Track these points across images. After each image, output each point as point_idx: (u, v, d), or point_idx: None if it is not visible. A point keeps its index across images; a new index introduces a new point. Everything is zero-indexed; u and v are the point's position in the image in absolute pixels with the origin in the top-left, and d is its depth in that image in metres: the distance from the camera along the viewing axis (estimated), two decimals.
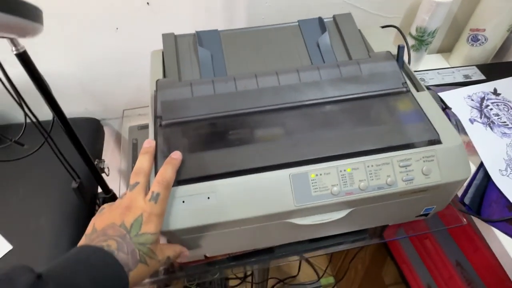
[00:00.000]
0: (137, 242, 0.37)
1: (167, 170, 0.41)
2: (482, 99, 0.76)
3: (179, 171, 0.42)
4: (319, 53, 0.60)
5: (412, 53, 0.84)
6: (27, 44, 0.59)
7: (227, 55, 0.59)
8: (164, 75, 0.56)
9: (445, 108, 0.70)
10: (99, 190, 0.74)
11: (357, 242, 0.53)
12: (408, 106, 0.49)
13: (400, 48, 0.56)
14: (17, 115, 0.83)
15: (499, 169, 0.67)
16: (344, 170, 0.44)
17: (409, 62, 0.72)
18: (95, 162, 0.78)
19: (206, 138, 0.45)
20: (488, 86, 0.78)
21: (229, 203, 0.42)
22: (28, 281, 0.29)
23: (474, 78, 0.80)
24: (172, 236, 0.43)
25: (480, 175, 0.67)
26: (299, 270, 1.31)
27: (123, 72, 0.79)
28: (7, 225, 0.65)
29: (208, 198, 0.42)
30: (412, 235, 0.57)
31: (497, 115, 0.73)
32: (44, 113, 0.52)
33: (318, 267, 1.34)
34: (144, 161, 0.42)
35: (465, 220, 0.56)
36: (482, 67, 0.83)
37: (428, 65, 0.87)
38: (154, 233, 0.38)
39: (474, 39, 0.81)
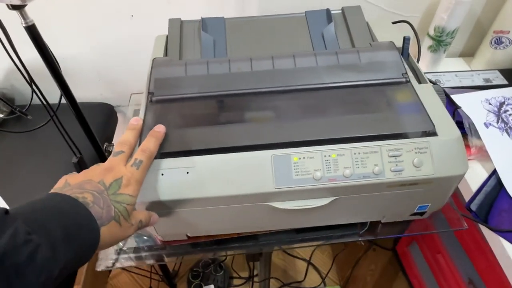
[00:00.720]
0: (114, 200, 0.36)
1: (150, 141, 0.41)
2: (502, 103, 0.71)
3: (161, 145, 0.42)
4: (323, 43, 0.58)
5: (430, 54, 0.81)
6: (48, 29, 0.63)
7: (230, 42, 0.60)
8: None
9: (455, 108, 0.67)
10: None
11: (345, 237, 0.51)
12: (406, 97, 0.47)
13: (405, 39, 0.54)
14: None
15: None
16: (329, 156, 0.42)
17: (418, 58, 0.70)
18: (105, 145, 0.81)
19: (193, 115, 0.45)
20: (510, 91, 0.74)
21: (208, 180, 0.42)
22: None
23: (495, 83, 0.76)
24: (150, 209, 0.43)
25: (492, 182, 0.63)
26: (305, 276, 1.28)
27: (136, 59, 0.82)
28: (12, 192, 0.68)
29: (188, 173, 0.42)
30: (405, 235, 0.54)
31: None
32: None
33: (325, 274, 1.30)
34: (130, 135, 0.43)
35: (466, 224, 0.52)
36: (505, 72, 0.78)
37: (448, 68, 0.83)
38: (133, 196, 0.38)
39: (498, 42, 0.77)
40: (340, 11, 0.63)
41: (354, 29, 0.59)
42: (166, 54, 0.58)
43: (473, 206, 0.60)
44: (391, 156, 0.42)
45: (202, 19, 0.61)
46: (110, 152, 0.80)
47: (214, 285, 1.22)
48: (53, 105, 0.59)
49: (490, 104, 0.71)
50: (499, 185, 0.62)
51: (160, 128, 0.43)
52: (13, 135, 0.78)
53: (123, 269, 1.21)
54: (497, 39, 0.77)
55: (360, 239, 0.51)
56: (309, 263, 1.32)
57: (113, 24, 0.76)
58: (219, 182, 0.41)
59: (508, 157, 0.64)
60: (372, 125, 0.44)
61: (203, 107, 0.46)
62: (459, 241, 0.82)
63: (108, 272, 1.13)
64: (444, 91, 0.69)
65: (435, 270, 1.03)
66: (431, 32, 0.78)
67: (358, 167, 0.42)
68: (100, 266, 0.49)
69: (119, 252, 0.51)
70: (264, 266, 0.94)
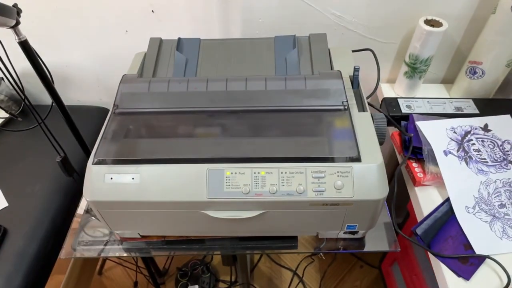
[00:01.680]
0: None
1: None
2: (467, 132, 0.73)
3: (114, 152, 0.49)
4: (285, 67, 0.63)
5: (406, 80, 0.83)
6: (54, 39, 0.71)
7: (201, 61, 0.66)
8: (142, 74, 0.64)
9: (410, 137, 0.69)
10: None
11: (283, 249, 0.55)
12: (341, 123, 0.50)
13: (355, 69, 0.58)
14: (44, 98, 0.97)
15: (466, 206, 0.64)
16: (258, 173, 0.47)
17: (376, 86, 0.73)
18: None
19: (147, 128, 0.51)
20: (479, 121, 0.75)
21: (149, 186, 0.47)
22: None
23: (466, 111, 0.77)
24: (100, 207, 0.49)
25: (443, 208, 0.65)
26: (289, 286, 1.31)
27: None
28: (8, 185, 0.77)
29: (133, 178, 0.47)
30: (341, 252, 0.57)
31: (478, 150, 0.70)
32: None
33: (309, 286, 1.32)
34: None
35: (399, 247, 0.55)
36: (478, 101, 0.79)
37: (425, 94, 0.85)
38: None
39: (472, 72, 0.79)
40: (307, 37, 0.68)
41: (316, 56, 0.64)
42: (142, 70, 0.65)
43: (419, 230, 0.62)
44: (314, 178, 0.46)
45: (179, 39, 0.68)
46: None
47: (199, 286, 1.27)
48: (46, 106, 0.66)
49: (454, 132, 0.73)
50: (451, 211, 0.64)
51: None
52: (12, 133, 0.86)
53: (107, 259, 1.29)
54: (471, 69, 0.79)
55: (296, 251, 0.55)
56: (294, 273, 1.35)
57: (110, 38, 0.84)
58: (159, 188, 0.47)
59: (463, 185, 0.66)
60: (303, 148, 0.48)
61: (158, 121, 0.52)
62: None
63: (96, 262, 1.20)
64: (412, 122, 0.72)
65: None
66: (407, 59, 0.81)
67: (284, 185, 0.46)
68: (61, 254, 0.56)
69: (79, 243, 0.58)
70: (242, 271, 0.99)
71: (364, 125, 0.51)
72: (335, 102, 0.53)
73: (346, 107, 0.52)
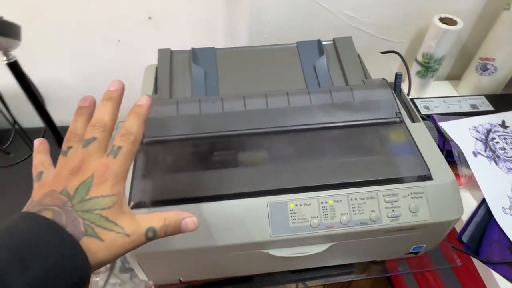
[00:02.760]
0: (81, 209, 0.28)
1: (132, 120, 0.32)
2: (489, 131, 0.72)
3: (152, 191, 0.41)
4: (315, 76, 0.58)
5: (418, 80, 0.82)
6: (30, 52, 0.60)
7: (221, 74, 0.59)
8: (156, 91, 0.56)
9: (444, 140, 0.67)
10: None
11: (342, 276, 0.51)
12: (400, 138, 0.46)
13: (397, 76, 0.54)
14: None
15: (503, 207, 0.63)
16: (326, 202, 0.41)
17: (408, 91, 0.70)
18: None
19: (185, 159, 0.44)
20: (496, 118, 0.75)
21: (202, 230, 0.40)
22: None
23: (481, 109, 0.77)
24: (142, 260, 0.41)
25: (481, 211, 0.63)
26: None
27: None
28: None
29: None
30: (398, 274, 0.53)
31: (503, 149, 0.70)
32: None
33: None
34: (105, 110, 0.32)
35: (459, 261, 0.53)
36: (491, 98, 0.79)
37: (435, 92, 0.84)
38: (110, 195, 0.28)
39: (483, 68, 0.78)
40: (331, 42, 0.63)
41: (346, 62, 0.59)
42: (155, 86, 0.57)
43: (464, 238, 0.60)
44: (387, 202, 0.42)
45: (193, 49, 0.60)
46: None
47: None
48: (36, 129, 0.56)
49: (477, 131, 0.72)
50: (489, 214, 0.63)
51: (144, 101, 0.34)
52: None
53: None
54: (482, 66, 0.78)
55: (356, 278, 0.50)
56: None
57: (100, 49, 0.74)
58: (212, 231, 0.40)
59: (496, 186, 0.65)
60: (369, 169, 0.43)
61: (195, 149, 0.45)
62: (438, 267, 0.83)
63: None
64: (435, 123, 0.70)
65: (420, 282, 1.04)
66: (419, 58, 0.79)
67: (355, 214, 0.41)
68: None
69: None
70: None
71: (422, 137, 0.47)
72: (389, 114, 0.49)
73: (401, 119, 0.48)
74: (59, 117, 0.86)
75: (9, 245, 0.24)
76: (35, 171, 0.33)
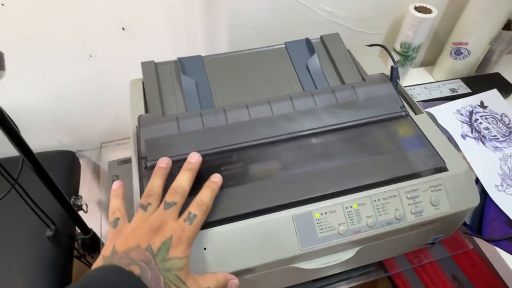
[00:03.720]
0: (163, 268, 0.32)
1: (206, 193, 0.37)
2: (471, 112, 0.75)
3: None
4: (309, 76, 0.57)
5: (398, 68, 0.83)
6: None
7: (213, 83, 0.56)
8: (146, 107, 0.52)
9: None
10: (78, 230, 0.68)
11: (363, 276, 0.50)
12: (409, 132, 0.46)
13: (393, 69, 0.54)
14: None
15: (495, 185, 0.65)
16: (350, 207, 0.40)
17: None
18: (72, 200, 0.72)
19: (196, 179, 0.40)
20: (475, 99, 0.78)
21: (228, 253, 0.38)
22: None
23: (460, 92, 0.80)
24: None
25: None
26: None
27: (98, 102, 0.74)
28: None
29: (205, 248, 0.37)
30: (417, 265, 0.54)
31: (487, 128, 0.73)
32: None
33: None
34: (185, 179, 0.38)
35: (471, 245, 0.54)
36: (466, 80, 0.83)
37: (413, 79, 0.86)
38: (183, 257, 0.33)
39: (457, 53, 0.81)
40: (319, 40, 0.62)
41: (338, 59, 0.58)
42: (145, 101, 0.53)
43: (467, 220, 0.62)
44: (409, 198, 0.41)
45: (179, 59, 0.57)
46: (79, 207, 0.72)
47: None
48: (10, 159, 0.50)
49: (461, 114, 0.74)
50: (484, 194, 0.65)
51: (216, 178, 0.39)
52: None
53: None
54: (456, 50, 0.81)
55: (378, 277, 0.50)
56: None
57: (70, 66, 0.68)
58: (241, 253, 0.38)
59: (487, 166, 0.68)
60: (386, 168, 0.43)
61: (206, 167, 0.42)
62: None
63: None
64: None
65: (418, 270, 1.07)
66: (398, 48, 0.80)
67: (380, 215, 0.41)
68: None
69: None
70: None
71: (429, 128, 0.48)
72: (393, 108, 0.49)
73: (406, 112, 0.48)
74: (33, 142, 0.78)
75: None
76: (111, 216, 0.37)
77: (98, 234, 0.67)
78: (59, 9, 0.60)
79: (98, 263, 0.33)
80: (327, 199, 0.40)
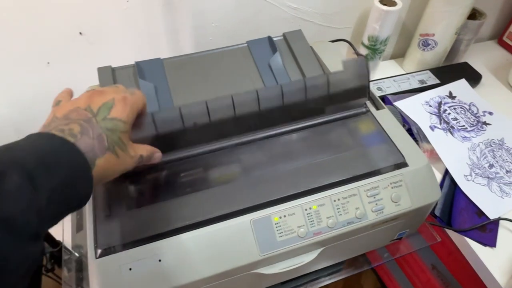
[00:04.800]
0: (105, 127, 0.31)
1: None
2: (439, 104, 0.75)
3: (121, 234, 0.36)
4: (272, 75, 0.56)
5: (368, 63, 0.83)
6: None
7: (173, 86, 0.54)
8: None
9: (404, 121, 0.69)
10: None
11: (334, 274, 0.50)
12: (369, 128, 0.46)
13: None
14: None
15: (464, 175, 0.66)
16: (310, 208, 0.40)
17: None
18: None
19: (150, 190, 0.39)
20: (444, 90, 0.78)
21: (185, 263, 0.37)
22: None
23: (429, 83, 0.80)
24: None
25: (446, 182, 0.66)
26: None
27: None
28: None
29: (160, 260, 0.36)
30: (396, 257, 0.54)
31: (455, 119, 0.73)
32: None
33: None
34: None
35: (439, 237, 0.54)
36: (435, 71, 0.83)
37: (383, 72, 0.86)
38: (125, 121, 0.32)
39: (425, 44, 0.81)
40: (282, 37, 0.61)
41: (300, 56, 0.57)
42: None
43: (437, 211, 0.62)
44: (369, 196, 0.41)
45: (137, 63, 0.55)
46: None
47: None
48: None
49: (430, 106, 0.75)
50: (453, 184, 0.65)
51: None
52: None
53: None
54: (424, 42, 0.81)
55: (347, 274, 0.50)
56: None
57: (28, 75, 0.65)
58: (198, 262, 0.37)
59: (455, 156, 0.68)
60: (345, 166, 0.42)
61: (160, 177, 0.41)
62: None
63: None
64: (390, 103, 0.71)
65: (399, 261, 1.08)
66: (366, 42, 0.80)
67: (341, 214, 0.40)
68: None
69: None
70: None
71: (390, 123, 0.47)
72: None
73: (366, 108, 0.48)
74: None
75: (35, 154, 0.26)
76: (54, 101, 0.36)
77: (67, 246, 0.65)
78: (10, 15, 0.57)
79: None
80: (286, 201, 0.40)
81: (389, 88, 0.79)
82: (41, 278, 0.65)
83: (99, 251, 0.36)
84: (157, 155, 0.38)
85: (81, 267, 0.54)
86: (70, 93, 0.38)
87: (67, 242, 0.62)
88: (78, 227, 0.62)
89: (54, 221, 0.26)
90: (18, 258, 0.22)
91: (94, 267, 0.35)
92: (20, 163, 0.24)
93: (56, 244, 0.65)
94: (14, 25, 0.58)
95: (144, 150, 0.36)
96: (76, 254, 0.53)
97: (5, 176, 0.22)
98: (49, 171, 0.25)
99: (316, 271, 0.50)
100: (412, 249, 0.54)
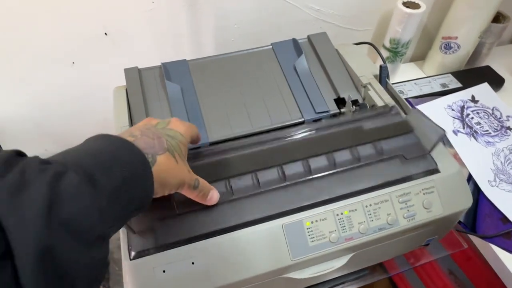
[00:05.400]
0: (165, 133, 0.32)
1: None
2: (462, 108, 0.75)
3: (155, 236, 0.36)
4: (298, 78, 0.56)
5: (388, 65, 0.82)
6: None
7: (199, 88, 0.54)
8: (130, 115, 0.51)
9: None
10: None
11: (359, 279, 0.49)
12: (398, 133, 0.45)
13: (383, 68, 0.53)
14: None
15: (488, 180, 0.65)
16: (341, 214, 0.39)
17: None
18: None
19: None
20: (466, 94, 0.77)
21: (218, 266, 0.37)
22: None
23: (451, 87, 0.79)
24: None
25: (470, 188, 0.65)
26: None
27: (83, 108, 0.72)
28: None
29: (193, 263, 0.36)
30: (416, 266, 0.53)
31: (478, 123, 0.72)
32: None
33: None
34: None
35: (465, 244, 0.53)
36: (457, 74, 0.82)
37: (404, 75, 0.85)
38: (183, 134, 0.34)
39: (447, 47, 0.80)
40: (306, 40, 0.61)
41: (326, 59, 0.57)
42: (129, 109, 0.51)
43: (461, 217, 0.62)
44: (401, 202, 0.41)
45: (163, 65, 0.55)
46: None
47: None
48: None
49: (453, 110, 0.74)
50: (477, 190, 0.65)
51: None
52: None
53: None
54: (446, 45, 0.80)
55: (374, 279, 0.49)
56: None
57: (52, 74, 0.66)
58: (230, 266, 0.37)
59: (479, 161, 0.67)
60: (377, 172, 0.42)
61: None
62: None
63: None
64: (412, 107, 0.71)
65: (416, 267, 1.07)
66: (387, 44, 0.79)
67: (372, 220, 0.40)
68: None
69: None
70: None
71: (419, 128, 0.47)
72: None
73: (396, 111, 0.47)
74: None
75: (92, 154, 0.25)
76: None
77: None
78: (37, 14, 0.58)
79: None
80: (318, 206, 0.39)
81: (410, 91, 0.78)
82: None
83: (133, 253, 0.36)
84: (215, 194, 0.37)
85: (107, 267, 0.54)
86: None
87: None
88: None
89: (117, 224, 0.26)
90: (84, 264, 0.21)
91: (128, 268, 0.36)
92: (77, 163, 0.23)
93: None
94: (41, 24, 0.59)
95: (202, 180, 0.35)
96: None
97: (62, 176, 0.22)
98: (108, 169, 0.25)
99: (342, 276, 0.49)
100: (437, 256, 0.53)
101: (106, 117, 0.75)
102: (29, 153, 0.71)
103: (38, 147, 0.78)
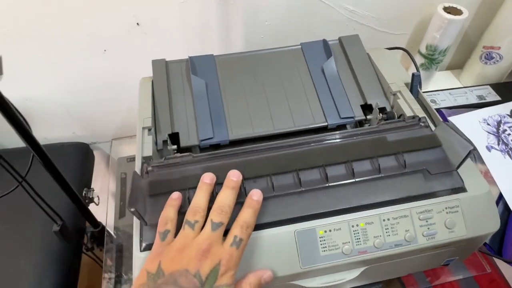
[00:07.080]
0: None
1: (248, 214, 0.36)
2: (499, 122, 0.70)
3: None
4: (325, 80, 0.54)
5: (422, 73, 0.79)
6: (6, 68, 0.53)
7: (223, 84, 0.54)
8: (154, 106, 0.51)
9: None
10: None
11: None
12: (425, 146, 0.43)
13: (414, 76, 0.51)
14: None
15: None
16: (357, 225, 0.38)
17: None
18: (84, 192, 0.73)
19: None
20: (504, 108, 0.73)
21: None
22: None
23: (488, 99, 0.75)
24: None
25: (499, 208, 0.62)
26: None
27: (111, 96, 0.74)
28: None
29: None
30: (436, 284, 0.51)
31: None
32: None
33: None
34: (229, 197, 0.36)
35: (489, 267, 0.50)
36: (496, 87, 0.77)
37: (438, 84, 0.81)
38: (230, 285, 0.33)
39: (488, 57, 0.76)
40: (337, 42, 0.59)
41: (356, 64, 0.55)
42: (153, 101, 0.52)
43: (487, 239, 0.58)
44: (422, 219, 0.39)
45: (190, 58, 0.55)
46: (90, 199, 0.73)
47: None
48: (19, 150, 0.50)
49: (488, 124, 0.70)
50: (507, 211, 0.61)
51: (256, 196, 0.37)
52: None
53: None
54: (487, 55, 0.76)
55: None
56: None
57: (84, 59, 0.68)
58: (239, 268, 0.36)
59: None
60: (399, 185, 0.40)
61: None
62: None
63: None
64: (444, 118, 0.67)
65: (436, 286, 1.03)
66: (423, 51, 0.76)
67: (389, 235, 0.38)
68: None
69: None
70: None
71: (448, 143, 0.44)
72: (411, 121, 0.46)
73: (425, 123, 0.45)
74: (43, 134, 0.80)
75: None
76: (162, 226, 0.35)
77: (107, 228, 0.67)
78: (74, 2, 0.59)
79: (141, 278, 0.32)
80: (333, 216, 0.38)
81: (444, 101, 0.75)
82: (81, 256, 0.68)
83: (144, 244, 0.36)
84: (267, 276, 0.36)
85: (121, 253, 0.56)
86: (176, 217, 0.36)
87: (110, 225, 0.64)
88: (121, 213, 0.64)
89: None
90: None
91: (138, 260, 0.36)
92: None
93: (97, 225, 0.68)
94: (76, 11, 0.61)
95: (252, 278, 0.35)
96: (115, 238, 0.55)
97: None
98: None
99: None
100: (458, 277, 0.51)
101: (131, 106, 0.77)
102: (57, 135, 0.73)
103: (68, 130, 0.80)
